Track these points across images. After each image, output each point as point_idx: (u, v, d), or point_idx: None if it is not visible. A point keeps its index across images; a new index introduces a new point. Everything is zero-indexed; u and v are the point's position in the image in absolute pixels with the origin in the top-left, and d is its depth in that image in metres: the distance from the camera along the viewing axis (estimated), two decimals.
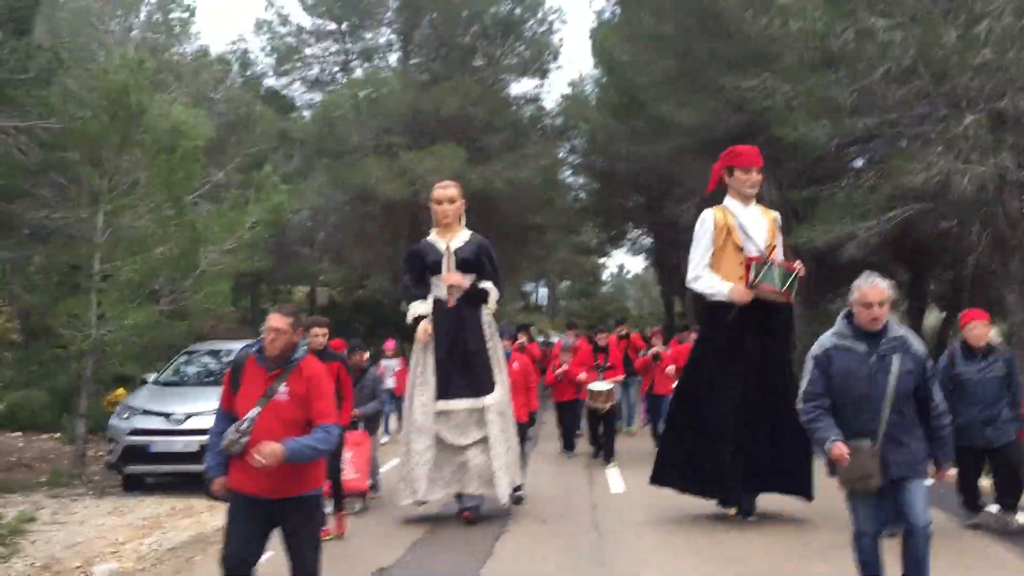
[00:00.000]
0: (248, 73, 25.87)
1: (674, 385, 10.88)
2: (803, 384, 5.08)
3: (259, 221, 11.91)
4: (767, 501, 8.16)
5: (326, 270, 33.56)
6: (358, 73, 26.32)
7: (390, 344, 16.17)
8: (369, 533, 8.08)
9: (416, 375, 8.32)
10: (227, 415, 4.79)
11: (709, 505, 8.16)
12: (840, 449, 4.78)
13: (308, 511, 4.82)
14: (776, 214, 8.08)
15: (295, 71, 26.56)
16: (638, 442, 13.80)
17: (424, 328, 8.16)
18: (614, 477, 10.88)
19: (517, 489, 8.79)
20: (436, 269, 8.27)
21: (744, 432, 7.70)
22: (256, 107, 21.13)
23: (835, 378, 4.91)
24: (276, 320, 4.76)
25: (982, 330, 7.44)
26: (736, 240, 7.75)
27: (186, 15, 21.11)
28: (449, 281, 8.17)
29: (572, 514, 8.75)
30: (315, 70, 26.69)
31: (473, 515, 8.20)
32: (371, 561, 6.90)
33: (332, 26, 25.86)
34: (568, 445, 12.99)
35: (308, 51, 26.31)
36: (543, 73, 26.19)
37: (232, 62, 24.23)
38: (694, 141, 19.21)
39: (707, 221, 7.90)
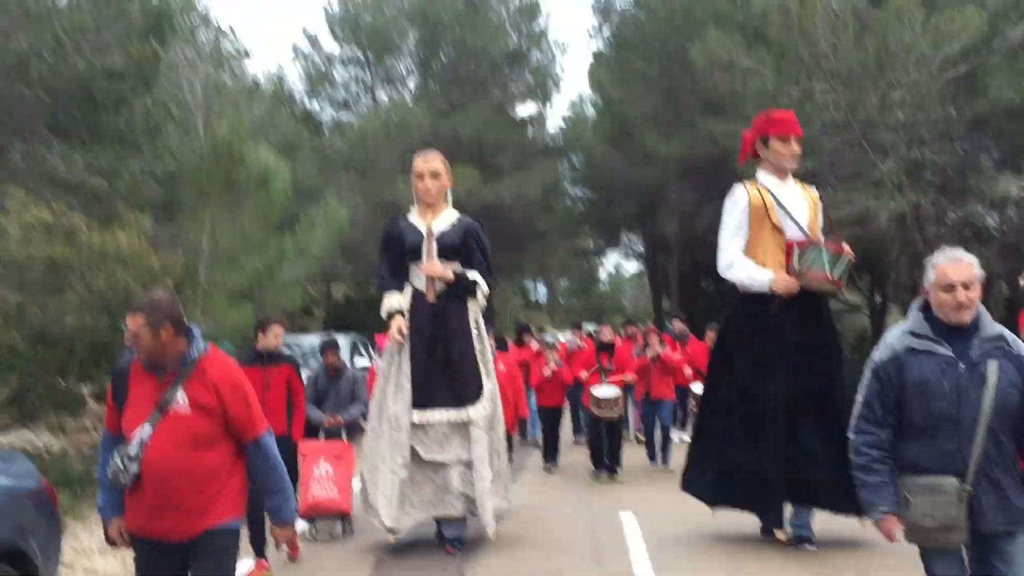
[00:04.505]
0: (285, 93, 29.07)
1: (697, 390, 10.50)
2: (857, 404, 3.87)
3: (326, 241, 15.11)
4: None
5: (340, 268, 36.24)
6: (381, 95, 29.53)
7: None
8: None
9: (388, 380, 7.01)
10: (114, 439, 3.82)
11: (734, 526, 7.07)
12: (890, 527, 3.71)
13: (223, 547, 3.80)
14: (816, 193, 6.99)
15: (324, 94, 29.79)
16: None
17: (397, 326, 6.86)
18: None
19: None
20: (416, 255, 6.93)
21: (786, 440, 6.51)
22: (301, 133, 24.23)
23: (908, 392, 3.66)
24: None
25: None
26: (775, 220, 6.57)
27: (239, 50, 24.25)
28: (429, 271, 6.87)
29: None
30: (342, 93, 29.88)
31: (456, 548, 6.96)
32: None
33: (359, 54, 29.03)
34: (551, 457, 11.49)
35: (337, 76, 29.55)
36: (546, 98, 29.38)
37: (275, 88, 27.44)
38: (676, 168, 22.59)
39: (739, 199, 6.67)
